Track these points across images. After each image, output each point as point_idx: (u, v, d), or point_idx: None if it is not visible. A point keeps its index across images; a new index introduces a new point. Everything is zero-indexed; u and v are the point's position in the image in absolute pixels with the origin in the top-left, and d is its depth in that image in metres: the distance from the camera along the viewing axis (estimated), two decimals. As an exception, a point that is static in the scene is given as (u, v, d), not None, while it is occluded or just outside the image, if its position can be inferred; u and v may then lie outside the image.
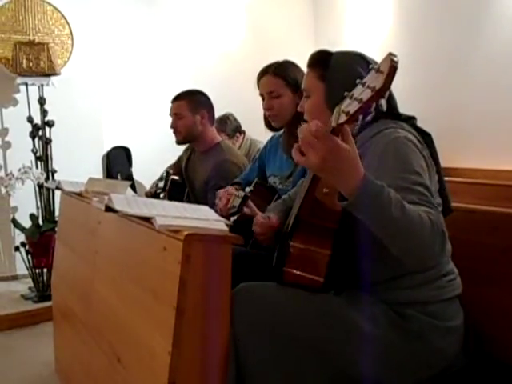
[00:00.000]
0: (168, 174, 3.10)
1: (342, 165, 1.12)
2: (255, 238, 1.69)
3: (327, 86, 1.46)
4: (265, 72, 2.15)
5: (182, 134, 2.73)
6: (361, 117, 1.35)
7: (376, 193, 1.14)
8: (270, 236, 1.61)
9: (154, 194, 3.18)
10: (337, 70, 1.46)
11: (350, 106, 1.08)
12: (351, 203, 1.16)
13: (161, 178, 3.17)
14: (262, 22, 5.11)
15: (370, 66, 1.05)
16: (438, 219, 1.20)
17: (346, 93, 1.11)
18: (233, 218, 1.89)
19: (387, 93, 1.05)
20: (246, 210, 1.89)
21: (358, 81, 1.08)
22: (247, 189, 1.96)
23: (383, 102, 1.02)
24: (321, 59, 1.52)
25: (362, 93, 1.05)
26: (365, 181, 1.14)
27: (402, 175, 1.26)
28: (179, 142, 2.79)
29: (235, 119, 4.05)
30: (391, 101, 1.46)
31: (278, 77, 2.10)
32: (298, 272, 1.34)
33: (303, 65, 2.14)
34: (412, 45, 4.29)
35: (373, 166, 1.28)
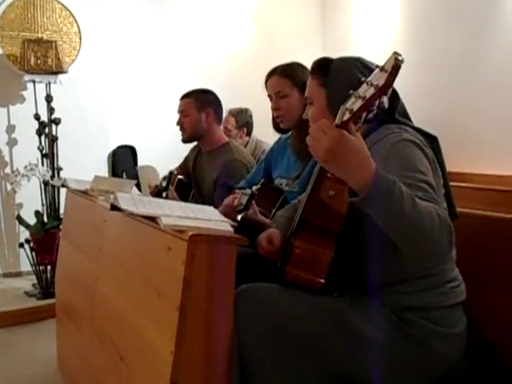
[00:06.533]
0: (171, 173, 3.11)
1: (349, 156, 1.12)
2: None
3: (328, 93, 1.49)
4: (272, 73, 2.17)
5: (188, 131, 2.75)
6: (364, 115, 1.36)
7: (388, 188, 1.13)
8: (276, 255, 1.59)
9: (156, 194, 3.19)
10: (336, 76, 1.48)
11: (354, 104, 1.10)
12: (363, 199, 1.14)
13: (164, 178, 3.17)
14: (270, 23, 5.11)
15: (374, 67, 1.06)
16: (445, 215, 1.20)
17: (351, 91, 1.12)
18: (240, 216, 1.90)
19: (389, 90, 1.07)
20: (250, 212, 1.89)
21: (362, 79, 1.09)
22: (254, 187, 1.97)
23: (385, 99, 1.04)
24: (321, 66, 1.54)
25: (365, 91, 1.07)
26: (376, 175, 1.13)
27: (407, 173, 1.26)
28: (185, 141, 2.80)
29: (251, 117, 4.09)
30: (398, 105, 1.46)
31: (284, 77, 2.11)
32: (299, 272, 1.35)
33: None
34: (420, 47, 4.28)
35: None
